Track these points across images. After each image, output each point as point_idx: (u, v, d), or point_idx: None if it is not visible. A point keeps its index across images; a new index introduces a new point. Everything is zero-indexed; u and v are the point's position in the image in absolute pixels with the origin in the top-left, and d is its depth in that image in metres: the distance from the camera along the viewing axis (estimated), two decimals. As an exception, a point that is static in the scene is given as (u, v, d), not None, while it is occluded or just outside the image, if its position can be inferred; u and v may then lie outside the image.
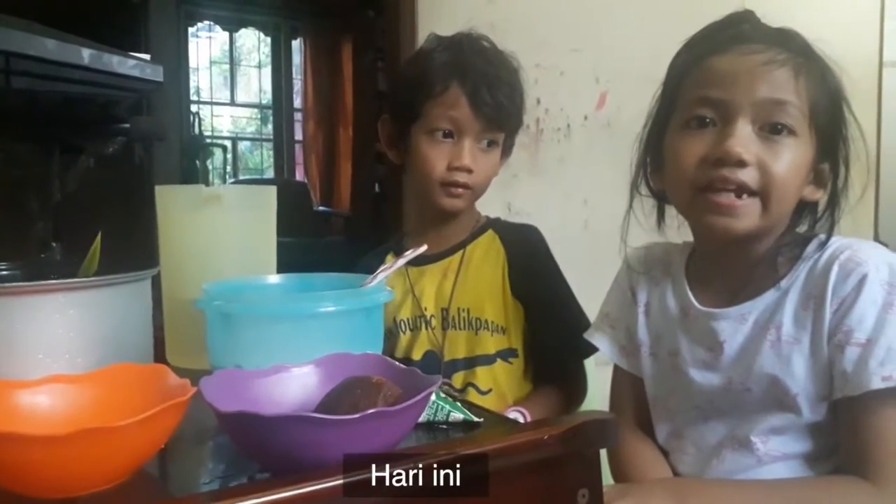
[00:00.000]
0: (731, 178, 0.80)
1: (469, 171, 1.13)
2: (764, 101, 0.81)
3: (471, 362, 1.15)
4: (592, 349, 1.09)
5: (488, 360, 1.15)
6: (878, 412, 0.79)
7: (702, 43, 0.88)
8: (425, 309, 1.19)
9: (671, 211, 0.95)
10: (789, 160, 0.81)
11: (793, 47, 0.84)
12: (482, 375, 1.14)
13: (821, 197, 0.88)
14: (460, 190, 1.14)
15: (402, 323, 1.20)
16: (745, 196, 0.81)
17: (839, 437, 0.83)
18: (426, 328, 1.18)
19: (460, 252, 1.20)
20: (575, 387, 1.20)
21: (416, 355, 1.18)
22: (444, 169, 1.13)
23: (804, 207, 0.89)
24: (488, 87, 1.10)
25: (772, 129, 0.81)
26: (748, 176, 0.80)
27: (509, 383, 1.16)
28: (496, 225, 1.23)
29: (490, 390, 1.14)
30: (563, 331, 1.14)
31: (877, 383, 0.77)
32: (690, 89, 0.87)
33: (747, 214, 0.82)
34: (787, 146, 0.81)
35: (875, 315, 0.79)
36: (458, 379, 1.15)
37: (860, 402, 0.79)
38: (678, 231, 0.97)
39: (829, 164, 0.86)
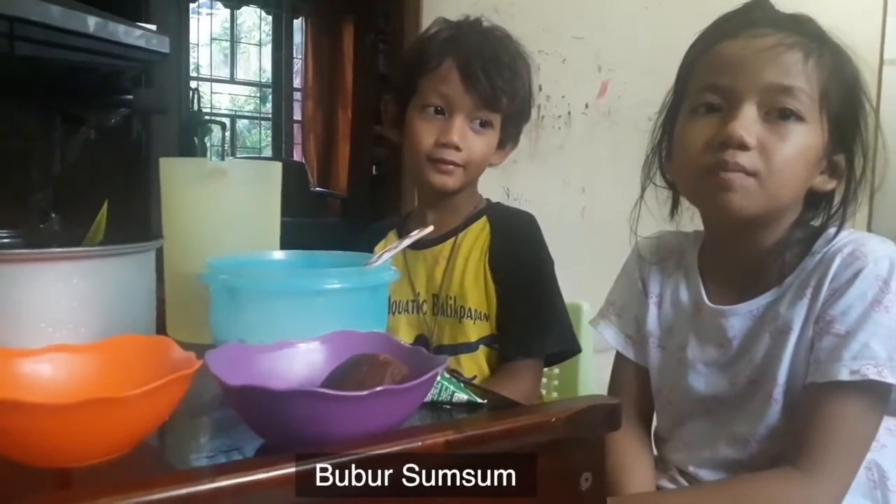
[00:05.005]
0: (734, 160, 0.79)
1: (457, 148, 1.11)
2: (771, 86, 0.80)
3: (455, 349, 1.14)
4: (558, 357, 1.09)
5: (470, 347, 1.14)
6: (835, 402, 0.78)
7: (713, 31, 0.88)
8: (418, 294, 1.18)
9: (684, 202, 0.95)
10: (794, 145, 0.80)
11: (805, 32, 0.83)
12: (466, 363, 1.13)
13: (834, 187, 0.87)
14: (449, 167, 1.12)
15: (395, 305, 1.19)
16: (747, 177, 0.80)
17: (793, 421, 0.83)
18: (418, 312, 1.18)
19: (452, 240, 1.18)
20: (518, 388, 1.09)
21: (408, 338, 1.17)
22: (432, 144, 1.11)
23: (820, 199, 0.88)
24: (482, 64, 1.09)
25: (779, 115, 0.81)
26: (750, 159, 0.80)
27: (496, 367, 1.15)
28: (492, 211, 1.21)
29: (475, 377, 1.13)
30: (525, 326, 1.11)
31: (844, 375, 0.77)
32: (699, 76, 0.86)
33: (750, 192, 0.80)
34: (793, 131, 0.80)
35: (861, 309, 0.78)
36: None
37: (823, 389, 0.79)
38: (691, 221, 0.96)
39: (844, 154, 0.85)
